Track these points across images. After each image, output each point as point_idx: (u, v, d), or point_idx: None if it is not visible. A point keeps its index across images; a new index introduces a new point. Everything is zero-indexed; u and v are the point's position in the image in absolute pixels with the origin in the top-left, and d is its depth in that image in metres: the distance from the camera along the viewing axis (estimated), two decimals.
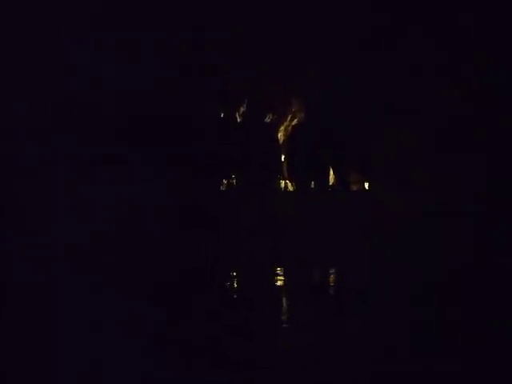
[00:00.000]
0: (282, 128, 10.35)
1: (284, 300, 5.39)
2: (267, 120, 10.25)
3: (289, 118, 10.36)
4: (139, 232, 8.39)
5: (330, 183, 10.34)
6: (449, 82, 9.30)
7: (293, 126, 10.33)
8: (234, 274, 6.65)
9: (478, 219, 8.12)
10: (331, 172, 10.31)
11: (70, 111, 9.38)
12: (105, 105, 9.43)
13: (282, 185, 10.27)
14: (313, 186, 10.23)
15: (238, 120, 10.23)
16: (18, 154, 9.12)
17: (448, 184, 8.94)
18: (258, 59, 9.81)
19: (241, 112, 10.19)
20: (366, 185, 10.13)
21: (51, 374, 3.19)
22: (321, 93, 10.10)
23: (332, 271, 6.84)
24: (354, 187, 10.09)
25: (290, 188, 10.28)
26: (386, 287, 5.65)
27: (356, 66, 9.66)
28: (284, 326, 4.49)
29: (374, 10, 9.48)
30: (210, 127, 9.97)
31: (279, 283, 6.12)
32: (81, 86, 9.36)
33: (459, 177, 8.96)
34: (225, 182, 10.09)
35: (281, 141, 10.35)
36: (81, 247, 7.59)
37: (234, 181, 10.08)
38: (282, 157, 10.30)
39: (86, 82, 9.36)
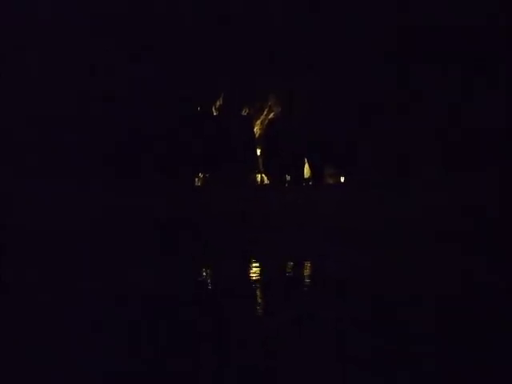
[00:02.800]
0: (259, 122, 10.35)
1: (259, 293, 5.41)
2: (244, 114, 10.23)
3: (265, 112, 10.36)
4: (120, 230, 8.38)
5: (306, 176, 10.39)
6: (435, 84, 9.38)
7: (269, 120, 10.34)
8: (212, 268, 6.65)
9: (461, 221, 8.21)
10: (306, 165, 10.36)
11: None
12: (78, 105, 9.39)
13: (258, 178, 10.29)
14: (288, 179, 10.27)
15: (214, 114, 10.20)
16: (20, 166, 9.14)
17: (430, 184, 9.00)
18: (239, 53, 9.79)
19: (217, 106, 10.16)
20: (342, 179, 10.20)
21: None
22: (299, 88, 10.12)
23: (307, 263, 6.88)
24: (330, 181, 10.14)
25: (266, 181, 10.30)
26: (360, 279, 5.69)
27: (337, 62, 9.69)
28: (259, 316, 4.53)
29: (362, 11, 9.53)
30: (186, 121, 9.93)
31: (255, 276, 6.14)
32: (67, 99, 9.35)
33: (442, 180, 9.03)
34: (200, 176, 10.07)
35: (257, 135, 10.35)
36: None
37: (210, 175, 10.06)
38: (258, 150, 10.31)
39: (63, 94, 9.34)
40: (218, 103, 10.13)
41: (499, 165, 8.96)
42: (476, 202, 8.41)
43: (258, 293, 5.31)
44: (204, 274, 6.27)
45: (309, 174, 10.38)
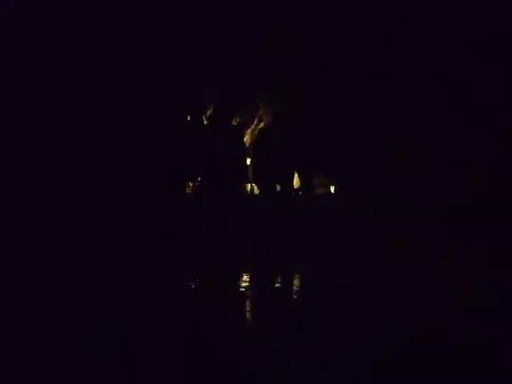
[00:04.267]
0: (249, 131, 10.33)
1: (247, 307, 5.38)
2: (234, 123, 10.21)
3: (255, 122, 10.35)
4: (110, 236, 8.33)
5: (296, 187, 10.38)
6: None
7: (259, 130, 10.32)
8: (199, 280, 6.61)
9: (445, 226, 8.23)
10: (296, 176, 10.35)
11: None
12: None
13: (249, 188, 10.26)
14: (278, 189, 10.26)
15: (205, 122, 10.18)
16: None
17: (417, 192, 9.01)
18: (227, 62, 9.79)
19: (207, 114, 10.14)
20: (332, 188, 10.21)
21: None
22: (288, 97, 10.13)
23: (297, 277, 6.85)
24: (321, 191, 10.14)
25: (256, 191, 10.28)
26: (349, 295, 5.67)
27: (324, 70, 9.72)
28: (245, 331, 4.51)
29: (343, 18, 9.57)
30: (176, 130, 9.90)
31: (243, 290, 6.12)
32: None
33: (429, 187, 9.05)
34: (190, 185, 10.03)
35: (247, 144, 10.33)
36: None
37: (200, 184, 10.02)
38: (248, 160, 10.28)
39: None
40: (208, 112, 10.11)
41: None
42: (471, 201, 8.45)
43: (247, 304, 5.28)
44: (192, 284, 6.24)
45: (298, 185, 10.37)
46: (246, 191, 10.27)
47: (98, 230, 8.33)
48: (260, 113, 10.33)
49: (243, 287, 6.01)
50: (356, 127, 9.63)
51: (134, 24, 9.39)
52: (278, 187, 10.25)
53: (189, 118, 10.08)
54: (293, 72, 9.82)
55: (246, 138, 10.34)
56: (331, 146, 9.92)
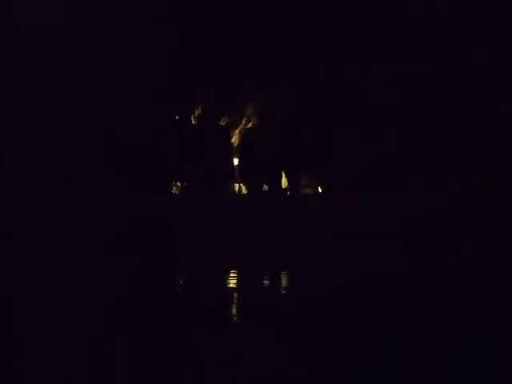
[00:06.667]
0: (237, 131, 10.31)
1: (234, 305, 5.37)
2: (222, 123, 10.19)
3: (243, 122, 10.33)
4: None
5: (283, 187, 10.37)
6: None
7: (247, 130, 10.30)
8: (188, 279, 6.59)
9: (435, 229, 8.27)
10: (284, 176, 10.35)
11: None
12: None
13: (236, 188, 10.24)
14: (266, 189, 10.25)
15: (193, 122, 10.15)
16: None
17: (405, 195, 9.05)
18: (216, 62, 9.77)
19: (196, 114, 10.10)
20: (320, 189, 10.22)
21: None
22: (275, 97, 10.12)
23: (284, 276, 6.85)
24: (309, 191, 10.14)
25: (244, 191, 10.26)
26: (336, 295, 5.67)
27: (310, 71, 9.73)
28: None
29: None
30: (164, 129, 9.86)
31: (232, 288, 6.11)
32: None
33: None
34: (178, 184, 9.99)
35: (235, 144, 10.30)
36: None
37: (187, 184, 9.98)
38: (236, 160, 10.27)
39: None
40: (196, 112, 10.07)
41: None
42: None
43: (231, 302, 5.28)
44: (180, 282, 6.22)
45: (286, 185, 10.37)
46: (234, 191, 10.25)
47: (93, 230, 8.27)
48: (248, 113, 10.31)
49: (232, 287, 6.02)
50: (354, 127, 9.64)
51: (135, 22, 9.34)
52: (266, 187, 10.24)
53: (177, 117, 10.06)
54: (291, 72, 9.80)
55: (234, 138, 10.32)
56: (324, 145, 9.92)
